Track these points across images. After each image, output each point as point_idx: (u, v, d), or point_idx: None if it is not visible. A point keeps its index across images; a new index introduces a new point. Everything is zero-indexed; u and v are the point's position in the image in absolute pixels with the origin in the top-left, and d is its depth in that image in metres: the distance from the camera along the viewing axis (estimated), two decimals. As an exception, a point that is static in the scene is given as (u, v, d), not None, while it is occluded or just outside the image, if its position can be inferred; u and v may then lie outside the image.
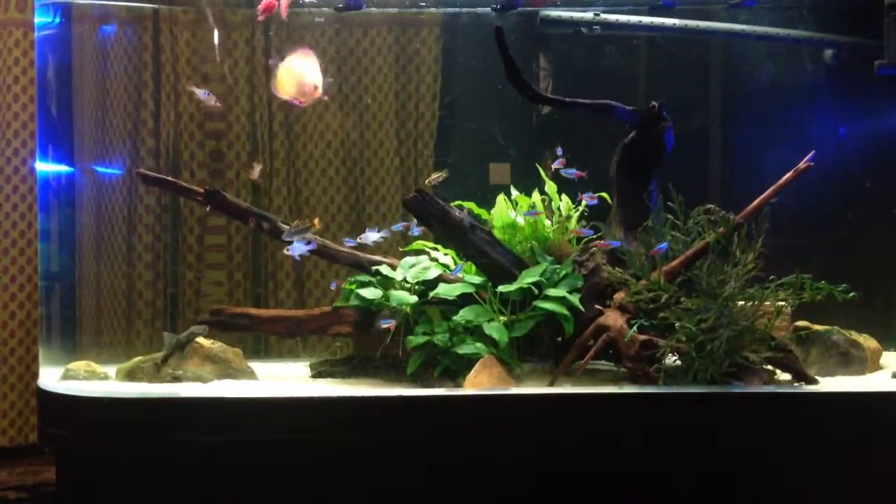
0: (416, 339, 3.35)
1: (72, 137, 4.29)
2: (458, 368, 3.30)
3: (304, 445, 3.01)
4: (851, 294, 3.26)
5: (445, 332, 3.35)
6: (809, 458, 3.02)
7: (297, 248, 3.41)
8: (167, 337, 3.45)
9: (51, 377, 3.48)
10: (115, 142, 4.31)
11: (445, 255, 3.68)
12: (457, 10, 4.33)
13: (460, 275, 3.51)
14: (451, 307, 3.44)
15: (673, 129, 3.57)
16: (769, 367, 3.24)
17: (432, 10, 4.39)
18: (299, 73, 3.38)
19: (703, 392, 3.09)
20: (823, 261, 4.12)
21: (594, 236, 3.59)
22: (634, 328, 3.20)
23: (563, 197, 3.70)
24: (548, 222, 3.68)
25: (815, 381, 3.25)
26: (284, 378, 3.61)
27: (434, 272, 3.53)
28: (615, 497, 3.05)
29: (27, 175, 4.15)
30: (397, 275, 3.55)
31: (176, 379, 3.39)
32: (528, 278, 3.41)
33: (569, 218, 3.67)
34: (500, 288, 3.40)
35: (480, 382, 3.18)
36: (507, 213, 3.68)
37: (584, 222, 3.67)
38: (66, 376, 3.47)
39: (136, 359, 3.48)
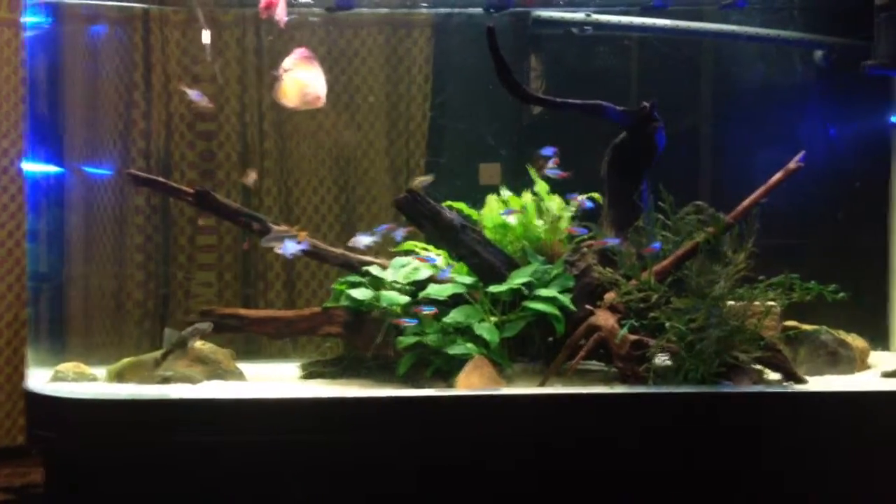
0: (406, 340, 3.35)
1: (61, 138, 4.27)
2: (449, 369, 3.30)
3: (295, 446, 3.00)
4: (840, 294, 3.27)
5: (436, 332, 3.35)
6: (799, 457, 3.03)
7: (290, 248, 3.40)
8: (168, 333, 3.43)
9: (39, 379, 3.46)
10: (105, 142, 4.30)
11: (437, 255, 3.68)
12: (448, 10, 4.33)
13: (450, 275, 3.50)
14: (443, 307, 3.43)
15: (664, 130, 3.57)
16: (758, 366, 3.25)
17: (423, 10, 4.39)
18: (304, 83, 3.40)
19: (693, 392, 3.09)
20: (812, 261, 4.13)
21: (586, 236, 3.59)
22: (625, 328, 3.20)
23: (555, 197, 3.70)
24: (539, 222, 3.68)
25: (803, 381, 3.26)
26: (275, 379, 3.60)
27: (425, 273, 3.53)
28: (606, 497, 3.05)
29: (16, 175, 4.13)
30: (388, 275, 3.54)
31: (165, 380, 3.38)
32: (518, 278, 3.41)
33: (560, 218, 3.67)
34: (491, 288, 3.39)
35: (471, 383, 3.18)
36: (498, 213, 3.68)
37: (575, 222, 3.67)
38: (54, 378, 3.46)
39: (126, 360, 3.47)
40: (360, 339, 3.52)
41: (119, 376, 3.42)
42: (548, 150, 3.65)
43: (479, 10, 4.19)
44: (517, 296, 3.40)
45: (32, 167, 3.93)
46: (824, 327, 3.60)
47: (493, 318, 3.38)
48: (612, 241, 3.41)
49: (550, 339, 3.46)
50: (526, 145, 4.36)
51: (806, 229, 4.23)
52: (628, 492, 3.04)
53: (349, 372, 3.56)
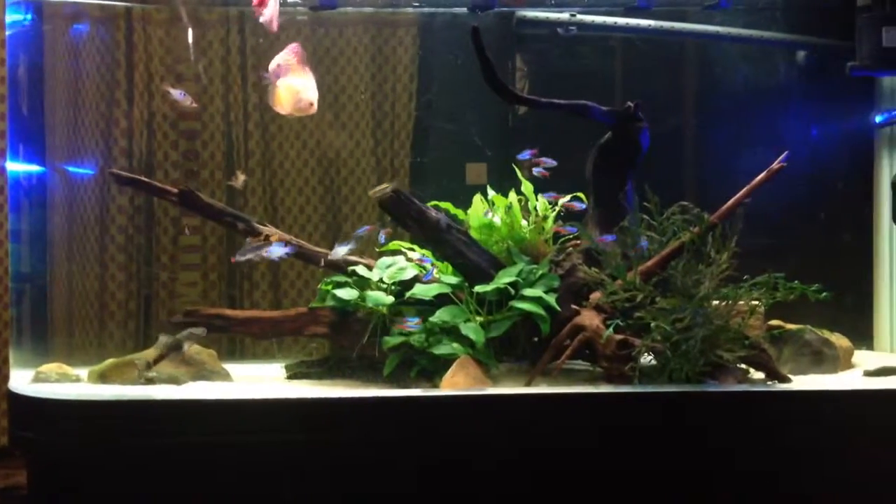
0: (392, 340, 3.34)
1: (43, 137, 4.24)
2: (434, 369, 3.30)
3: (281, 447, 2.99)
4: (824, 294, 3.30)
5: (422, 332, 3.35)
6: (783, 455, 3.05)
7: (276, 251, 3.40)
8: (163, 339, 3.42)
9: (21, 380, 3.43)
10: (88, 141, 4.27)
11: (422, 255, 3.67)
12: (433, 9, 4.32)
13: (435, 276, 3.50)
14: (428, 308, 3.43)
15: (648, 130, 3.59)
16: (743, 365, 3.26)
17: (408, 9, 4.38)
18: (297, 90, 3.41)
19: (678, 391, 3.11)
20: (796, 260, 4.16)
21: (572, 235, 3.60)
22: (610, 328, 3.21)
23: (540, 197, 3.71)
24: (524, 222, 3.68)
25: (788, 380, 3.27)
26: (260, 379, 3.59)
27: (410, 273, 3.52)
28: (592, 497, 3.05)
29: (-1, 174, 4.09)
30: (374, 275, 3.54)
31: (149, 381, 3.36)
32: (504, 278, 3.41)
33: (545, 218, 3.68)
34: (477, 288, 3.39)
35: (457, 383, 3.18)
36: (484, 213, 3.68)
37: (560, 222, 3.68)
38: (36, 379, 3.43)
39: (109, 361, 3.45)
40: (346, 340, 3.51)
41: (102, 377, 3.39)
42: (524, 154, 3.66)
43: (464, 9, 4.20)
44: (503, 296, 3.40)
45: (14, 166, 3.89)
46: (808, 327, 3.62)
47: (478, 318, 3.39)
48: (609, 238, 3.41)
49: (536, 338, 3.46)
50: (512, 145, 4.36)
51: (790, 229, 4.26)
52: (614, 491, 3.05)
53: (335, 372, 3.55)
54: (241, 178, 3.73)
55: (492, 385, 3.27)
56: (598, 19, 4.26)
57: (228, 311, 3.67)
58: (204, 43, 4.32)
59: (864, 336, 4.13)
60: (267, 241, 3.43)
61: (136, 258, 4.30)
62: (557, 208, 3.67)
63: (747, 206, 3.39)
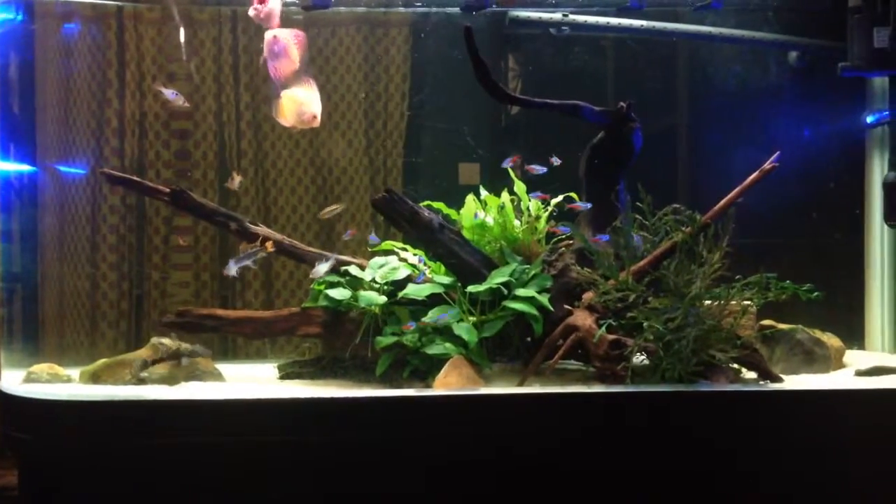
0: (385, 340, 3.34)
1: (34, 136, 4.23)
2: (427, 369, 3.30)
3: (272, 447, 2.98)
4: (815, 293, 3.31)
5: (415, 332, 3.34)
6: (774, 455, 3.05)
7: (232, 268, 3.40)
8: (155, 340, 3.43)
9: (12, 380, 3.42)
10: (79, 141, 4.25)
11: (415, 255, 3.67)
12: (426, 9, 4.32)
13: (428, 276, 3.50)
14: (421, 307, 3.43)
15: (641, 130, 3.59)
16: (735, 365, 3.27)
17: (401, 9, 4.38)
18: (300, 102, 3.43)
19: (670, 391, 3.11)
20: (788, 260, 4.17)
21: (565, 235, 3.60)
22: (603, 328, 3.21)
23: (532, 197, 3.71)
24: (517, 222, 3.68)
25: (780, 380, 3.28)
26: (252, 379, 3.58)
27: (403, 272, 3.52)
28: (585, 496, 3.06)
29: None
30: (366, 275, 3.53)
31: (141, 381, 3.35)
32: (497, 278, 3.41)
33: (538, 218, 3.68)
34: (470, 288, 3.39)
35: (450, 383, 3.18)
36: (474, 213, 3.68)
37: (553, 222, 3.68)
38: (28, 379, 3.41)
39: (101, 361, 3.44)
40: (338, 340, 3.51)
41: (94, 377, 3.38)
42: (506, 162, 3.68)
43: (456, 9, 4.20)
44: (496, 296, 3.40)
45: (4, 166, 3.88)
46: (800, 326, 3.64)
47: (471, 318, 3.39)
48: (603, 238, 3.41)
49: (529, 339, 3.46)
50: (505, 145, 4.37)
51: (781, 229, 4.28)
52: (606, 491, 3.05)
53: (327, 372, 3.55)
54: (237, 179, 3.73)
55: (484, 385, 3.27)
56: (591, 19, 4.26)
57: (220, 311, 3.66)
58: (196, 42, 4.31)
59: (855, 336, 4.15)
60: (263, 247, 3.43)
61: (128, 258, 4.29)
62: (550, 208, 3.68)
63: (739, 206, 3.39)
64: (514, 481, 3.04)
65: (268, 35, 3.46)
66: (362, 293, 3.45)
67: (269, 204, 4.39)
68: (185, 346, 3.44)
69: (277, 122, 3.57)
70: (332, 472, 3.01)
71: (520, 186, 3.71)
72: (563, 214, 3.66)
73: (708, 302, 3.25)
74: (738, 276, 3.29)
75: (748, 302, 3.31)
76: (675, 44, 4.42)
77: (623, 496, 3.05)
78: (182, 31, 4.29)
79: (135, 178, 3.86)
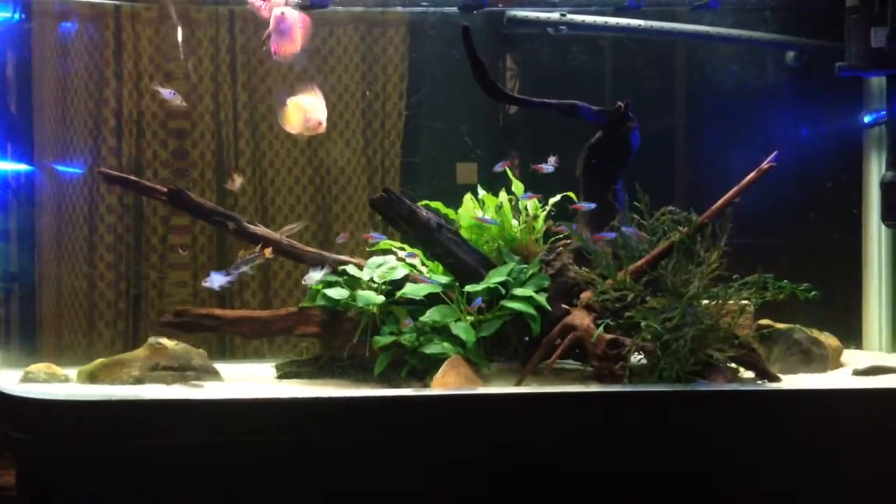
0: (383, 340, 3.34)
1: (32, 135, 4.22)
2: (425, 368, 3.30)
3: (270, 447, 2.98)
4: (813, 293, 3.31)
5: (413, 332, 3.34)
6: (772, 455, 3.06)
7: (216, 280, 3.41)
8: (152, 340, 3.44)
9: (10, 380, 3.41)
10: (76, 140, 4.25)
11: (404, 250, 3.67)
12: (423, 9, 4.32)
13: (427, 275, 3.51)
14: (419, 307, 3.43)
15: (639, 130, 3.59)
16: (733, 365, 3.28)
17: (399, 9, 4.38)
18: (306, 109, 3.48)
19: (668, 390, 3.11)
20: (786, 260, 4.18)
21: (563, 235, 3.60)
22: (601, 328, 3.21)
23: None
24: (515, 222, 3.69)
25: (777, 379, 3.29)
26: (250, 379, 3.58)
27: (401, 272, 3.52)
28: (583, 496, 3.06)
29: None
30: (364, 275, 3.53)
31: (138, 381, 3.35)
32: (495, 278, 3.42)
33: (535, 217, 3.68)
34: (468, 288, 3.39)
35: (448, 382, 3.18)
36: (474, 212, 3.68)
37: (551, 221, 3.69)
38: (25, 379, 3.41)
39: (98, 360, 3.43)
40: (336, 339, 3.50)
41: (92, 377, 3.38)
42: (498, 166, 3.69)
43: (454, 8, 4.20)
44: (493, 295, 3.40)
45: (2, 165, 3.87)
46: (798, 326, 3.64)
47: (469, 318, 3.39)
48: (609, 236, 3.41)
49: (527, 338, 3.47)
50: (503, 144, 4.37)
51: (779, 229, 4.28)
52: (604, 491, 3.05)
53: (325, 372, 3.54)
54: (238, 180, 3.73)
55: (482, 384, 3.27)
56: (588, 19, 4.26)
57: (218, 311, 3.66)
58: (193, 41, 4.31)
59: (853, 335, 4.15)
60: (261, 253, 3.44)
61: (126, 257, 4.28)
62: (548, 208, 3.68)
63: (737, 206, 3.40)
64: (513, 481, 3.04)
65: (276, 11, 3.47)
66: (360, 293, 3.45)
67: (266, 203, 4.39)
68: (197, 359, 3.43)
69: (276, 122, 3.58)
70: (331, 472, 3.01)
71: (518, 186, 3.71)
72: (561, 214, 3.66)
73: (706, 301, 3.25)
74: (735, 276, 3.30)
75: (746, 301, 3.31)
76: (673, 43, 4.42)
77: (621, 496, 3.06)
78: (179, 30, 4.28)
79: (132, 177, 3.86)
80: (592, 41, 4.42)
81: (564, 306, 3.41)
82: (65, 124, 4.25)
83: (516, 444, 3.03)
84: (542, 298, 3.36)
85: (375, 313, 3.44)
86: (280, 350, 3.96)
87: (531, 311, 3.33)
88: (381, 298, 3.43)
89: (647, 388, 3.13)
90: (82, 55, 4.25)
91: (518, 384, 3.28)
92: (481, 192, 3.74)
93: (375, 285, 3.50)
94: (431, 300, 3.43)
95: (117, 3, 4.25)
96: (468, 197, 3.71)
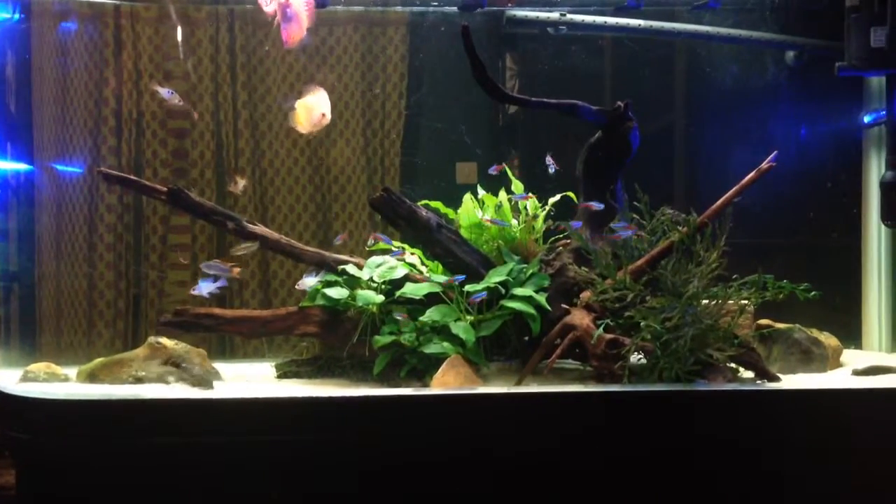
0: (382, 339, 3.34)
1: (31, 135, 4.22)
2: (424, 368, 3.30)
3: (269, 447, 2.98)
4: (813, 293, 3.31)
5: (412, 331, 3.34)
6: (772, 454, 3.06)
7: (205, 287, 3.41)
8: (152, 339, 3.46)
9: (9, 379, 3.41)
10: (76, 139, 4.25)
11: (412, 254, 3.68)
12: (423, 8, 4.32)
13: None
14: (418, 307, 3.43)
15: (638, 129, 3.59)
16: (733, 364, 3.27)
17: (398, 8, 4.38)
18: (313, 107, 3.55)
19: (668, 390, 3.11)
20: (785, 260, 4.18)
21: (563, 234, 3.60)
22: (601, 328, 3.21)
23: (530, 196, 3.72)
24: (514, 221, 3.69)
25: (777, 379, 3.29)
26: (250, 379, 3.58)
27: (401, 272, 3.52)
28: (582, 495, 3.06)
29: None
30: (364, 274, 3.53)
31: (138, 380, 3.35)
32: (494, 277, 3.42)
33: (535, 217, 3.68)
34: (467, 287, 3.39)
35: (447, 382, 3.18)
36: (474, 212, 3.69)
37: (550, 221, 3.69)
38: (25, 378, 3.41)
39: (98, 360, 3.43)
40: (336, 339, 3.50)
41: (91, 376, 3.38)
42: (493, 169, 3.70)
43: (454, 8, 4.20)
44: (493, 295, 3.40)
45: (1, 165, 3.87)
46: (797, 326, 3.64)
47: (469, 318, 3.39)
48: (626, 234, 3.40)
49: (526, 338, 3.47)
50: (503, 144, 4.37)
51: (779, 229, 4.28)
52: (604, 490, 3.06)
53: (325, 371, 3.54)
54: (241, 182, 3.73)
55: (482, 384, 3.27)
56: (588, 19, 4.27)
57: (218, 311, 3.65)
58: (193, 41, 4.31)
59: (852, 335, 4.15)
60: (230, 270, 3.47)
61: (125, 257, 4.28)
62: (548, 207, 3.68)
63: (736, 206, 3.40)
64: (512, 480, 3.04)
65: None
66: (360, 292, 3.45)
67: (266, 203, 4.39)
68: (197, 359, 3.44)
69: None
70: (330, 472, 3.01)
71: (517, 186, 3.71)
72: (561, 214, 3.66)
73: (705, 301, 3.25)
74: (735, 276, 3.30)
75: (746, 301, 3.31)
76: (673, 43, 4.42)
77: (621, 495, 3.06)
78: (179, 30, 4.28)
79: (132, 176, 3.86)
80: (592, 41, 4.42)
81: (564, 306, 3.41)
82: (64, 124, 4.25)
83: (516, 444, 3.03)
84: (541, 298, 3.37)
85: (375, 313, 3.44)
86: (280, 350, 3.96)
87: (531, 310, 3.33)
88: (380, 298, 3.43)
89: (647, 388, 3.13)
90: (82, 55, 4.25)
91: (518, 384, 3.28)
92: (481, 192, 3.74)
93: (375, 285, 3.50)
94: (431, 300, 3.43)
95: (117, 2, 4.25)
96: (468, 197, 3.71)
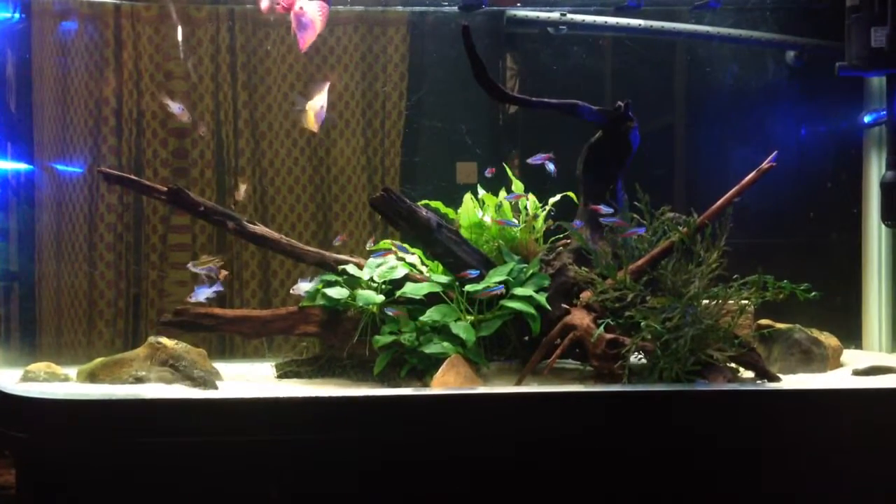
0: (383, 339, 3.34)
1: (31, 134, 4.22)
2: (425, 368, 3.30)
3: (269, 446, 2.98)
4: (813, 293, 3.31)
5: (412, 331, 3.35)
6: (771, 454, 3.06)
7: (201, 293, 3.43)
8: (152, 339, 3.46)
9: (9, 379, 3.41)
10: (76, 139, 4.25)
11: (412, 254, 3.68)
12: (423, 8, 4.32)
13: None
14: (419, 307, 3.43)
15: (638, 129, 3.59)
16: (733, 364, 3.28)
17: (399, 8, 4.38)
18: (318, 108, 3.59)
19: (668, 390, 3.11)
20: (786, 260, 4.18)
21: (562, 235, 3.61)
22: (601, 327, 3.21)
23: (530, 196, 3.72)
24: (514, 221, 3.69)
25: (777, 379, 3.29)
26: (250, 378, 3.58)
27: (401, 271, 3.52)
28: (582, 495, 3.06)
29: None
30: (364, 274, 3.53)
31: (139, 380, 3.35)
32: (495, 277, 3.42)
33: (535, 217, 3.68)
34: (468, 287, 3.39)
35: (447, 382, 3.18)
36: (474, 212, 3.69)
37: (550, 222, 3.69)
38: (25, 378, 3.41)
39: (98, 360, 3.43)
40: (336, 339, 3.50)
41: (92, 376, 3.38)
42: (487, 171, 3.73)
43: (454, 8, 4.20)
44: (493, 295, 3.40)
45: (1, 164, 3.87)
46: (798, 326, 3.64)
47: (469, 317, 3.39)
48: (639, 231, 3.40)
49: (527, 338, 3.47)
50: (503, 144, 4.37)
51: (779, 229, 4.28)
52: (603, 489, 3.06)
53: (325, 371, 3.55)
54: (243, 188, 3.73)
55: (482, 384, 3.27)
56: (589, 19, 4.27)
57: (218, 310, 3.65)
58: (193, 40, 4.31)
59: (852, 335, 4.15)
60: (217, 271, 3.48)
61: (125, 256, 4.28)
62: (548, 207, 3.68)
63: (737, 206, 3.40)
64: (512, 480, 3.04)
65: (296, 7, 3.50)
66: (360, 292, 3.45)
67: (266, 203, 4.39)
68: (197, 359, 3.44)
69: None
70: (330, 472, 3.01)
71: (517, 185, 3.71)
72: (561, 214, 3.66)
73: (706, 301, 3.25)
74: (735, 276, 3.30)
75: (746, 301, 3.31)
76: (673, 43, 4.42)
77: (621, 495, 3.06)
78: (179, 30, 4.28)
79: (132, 176, 3.86)
80: (592, 41, 4.42)
81: (564, 306, 3.41)
82: (65, 123, 4.25)
83: (516, 444, 3.03)
84: (541, 298, 3.37)
85: (375, 312, 3.44)
86: (280, 349, 3.96)
87: (531, 310, 3.33)
88: (380, 298, 3.43)
89: (647, 388, 3.13)
90: (82, 54, 4.25)
91: (518, 384, 3.28)
92: (481, 192, 3.74)
93: (375, 285, 3.50)
94: (431, 300, 3.44)
95: (117, 2, 4.25)
96: (468, 197, 3.71)
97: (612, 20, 4.26)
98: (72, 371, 3.47)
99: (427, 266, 3.63)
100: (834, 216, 4.33)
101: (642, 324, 3.19)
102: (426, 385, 3.24)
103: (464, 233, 3.61)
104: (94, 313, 4.25)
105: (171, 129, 4.32)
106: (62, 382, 3.42)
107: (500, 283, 3.40)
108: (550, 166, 3.63)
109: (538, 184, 3.71)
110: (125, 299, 4.27)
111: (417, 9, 4.35)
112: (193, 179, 4.31)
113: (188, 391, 3.30)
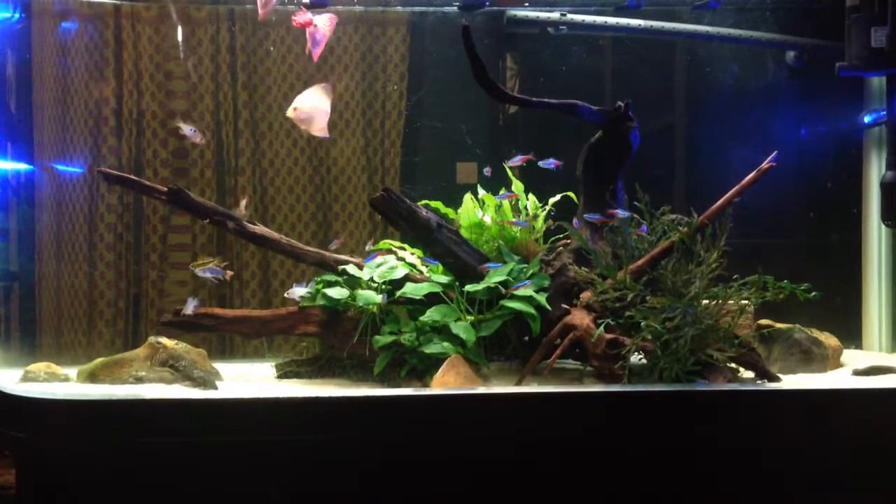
0: (383, 339, 3.34)
1: (31, 134, 4.22)
2: (425, 368, 3.30)
3: (269, 446, 2.98)
4: (813, 293, 3.31)
5: (413, 331, 3.35)
6: (771, 454, 3.06)
7: (191, 306, 3.45)
8: (152, 338, 3.47)
9: (9, 379, 3.41)
10: (76, 139, 4.25)
11: (412, 254, 3.68)
12: (423, 8, 4.32)
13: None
14: (419, 307, 3.43)
15: (638, 129, 3.59)
16: (733, 364, 3.28)
17: (399, 8, 4.38)
18: (319, 109, 3.57)
19: (668, 390, 3.11)
20: (786, 260, 4.18)
21: (562, 234, 3.60)
22: (601, 327, 3.21)
23: (530, 196, 3.72)
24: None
25: (777, 379, 3.29)
26: (250, 379, 3.58)
27: (401, 271, 3.52)
28: (582, 495, 3.06)
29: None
30: (364, 274, 3.53)
31: (139, 380, 3.35)
32: (495, 277, 3.42)
33: (535, 217, 3.68)
34: (468, 287, 3.40)
35: (447, 382, 3.18)
36: (474, 212, 3.69)
37: (550, 222, 3.69)
38: (25, 378, 3.41)
39: (98, 360, 3.43)
40: (336, 339, 3.50)
41: (92, 376, 3.38)
42: (486, 170, 3.74)
43: (454, 8, 4.20)
44: (493, 295, 3.40)
45: (1, 164, 3.87)
46: (798, 326, 3.64)
47: (469, 318, 3.39)
48: (642, 230, 3.40)
49: (527, 338, 3.47)
50: (503, 144, 4.37)
51: (779, 229, 4.28)
52: (603, 489, 3.06)
53: (325, 371, 3.55)
54: (244, 202, 3.73)
55: (482, 384, 3.27)
56: (589, 19, 4.27)
57: (218, 310, 3.65)
58: (193, 41, 4.31)
59: (852, 335, 4.15)
60: (223, 272, 3.49)
61: (126, 256, 4.28)
62: (548, 207, 3.68)
63: (737, 206, 3.40)
64: (512, 480, 3.04)
65: (311, 25, 3.52)
66: (360, 292, 3.45)
67: (266, 203, 4.39)
68: (197, 359, 3.44)
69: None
70: (330, 472, 3.01)
71: (517, 185, 3.71)
72: (561, 214, 3.66)
73: (706, 301, 3.25)
74: (735, 276, 3.30)
75: (746, 301, 3.31)
76: (673, 43, 4.42)
77: (621, 495, 3.06)
78: (179, 30, 4.28)
79: (132, 176, 3.86)
80: (592, 41, 4.42)
81: (564, 306, 3.41)
82: (65, 123, 4.25)
83: (516, 444, 3.03)
84: (541, 298, 3.37)
85: (375, 313, 3.44)
86: (280, 349, 3.97)
87: (531, 310, 3.33)
88: (381, 298, 3.43)
89: (647, 388, 3.13)
90: (82, 54, 4.25)
91: (518, 384, 3.28)
92: (481, 192, 3.74)
93: (375, 285, 3.50)
94: (431, 300, 3.44)
95: (117, 2, 4.25)
96: (468, 197, 3.71)
97: (612, 20, 4.27)
98: (72, 371, 3.48)
99: (427, 266, 3.63)
100: (834, 216, 4.33)
101: (642, 324, 3.19)
102: (426, 385, 3.24)
103: (464, 233, 3.61)
104: (94, 313, 4.25)
105: (171, 130, 4.32)
106: (62, 382, 3.42)
107: (500, 283, 3.40)
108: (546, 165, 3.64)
109: (538, 184, 3.70)
110: (125, 299, 4.27)
111: (417, 9, 4.35)
112: (193, 179, 4.31)
113: (188, 391, 3.30)
